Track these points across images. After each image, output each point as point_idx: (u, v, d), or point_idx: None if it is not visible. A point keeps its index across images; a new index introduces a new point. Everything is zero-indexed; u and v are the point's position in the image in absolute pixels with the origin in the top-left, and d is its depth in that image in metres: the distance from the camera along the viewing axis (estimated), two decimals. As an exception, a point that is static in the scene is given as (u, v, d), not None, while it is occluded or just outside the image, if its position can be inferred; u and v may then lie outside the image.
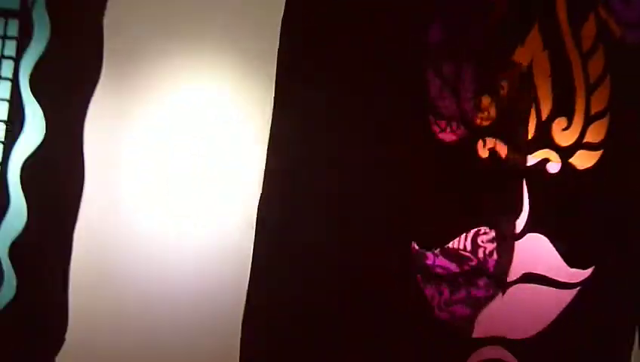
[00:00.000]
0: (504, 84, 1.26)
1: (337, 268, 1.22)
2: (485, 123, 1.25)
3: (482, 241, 1.26)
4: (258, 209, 1.22)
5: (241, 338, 1.22)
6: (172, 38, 1.57)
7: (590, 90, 1.30)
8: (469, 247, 1.26)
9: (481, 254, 1.27)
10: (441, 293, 1.24)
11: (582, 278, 1.31)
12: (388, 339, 1.22)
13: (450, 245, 1.25)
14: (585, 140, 1.31)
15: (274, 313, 1.23)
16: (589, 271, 1.31)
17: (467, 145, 1.24)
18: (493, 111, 1.25)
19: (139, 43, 1.56)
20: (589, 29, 1.30)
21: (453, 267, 1.25)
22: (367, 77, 1.20)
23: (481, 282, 1.25)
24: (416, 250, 1.23)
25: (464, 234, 1.26)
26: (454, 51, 1.23)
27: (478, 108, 1.25)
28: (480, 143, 1.25)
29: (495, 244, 1.26)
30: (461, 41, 1.23)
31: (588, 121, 1.31)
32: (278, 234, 1.23)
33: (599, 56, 1.30)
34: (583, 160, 1.32)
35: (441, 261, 1.25)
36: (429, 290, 1.24)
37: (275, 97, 1.22)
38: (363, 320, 1.21)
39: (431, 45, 1.22)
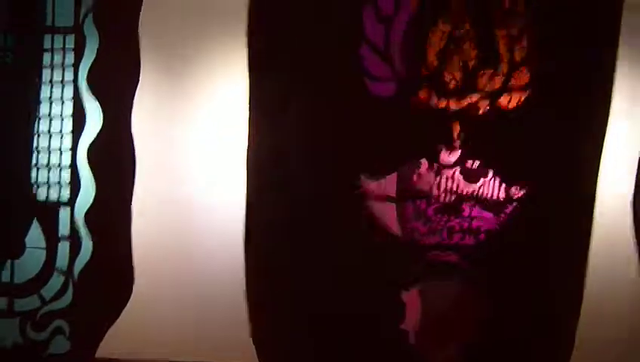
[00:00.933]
0: (430, 47, 1.55)
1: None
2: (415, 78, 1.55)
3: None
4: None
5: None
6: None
7: (513, 42, 1.58)
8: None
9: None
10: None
11: (518, 195, 1.59)
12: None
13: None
14: (510, 84, 1.59)
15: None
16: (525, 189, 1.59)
17: (403, 97, 1.55)
18: (421, 69, 1.55)
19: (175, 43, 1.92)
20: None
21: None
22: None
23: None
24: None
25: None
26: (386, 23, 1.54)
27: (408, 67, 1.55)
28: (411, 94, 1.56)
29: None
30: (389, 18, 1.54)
31: (512, 67, 1.59)
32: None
33: (520, 14, 1.58)
34: (509, 100, 1.60)
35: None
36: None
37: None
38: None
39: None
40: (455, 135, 1.57)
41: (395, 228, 1.56)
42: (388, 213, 1.55)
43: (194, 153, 1.92)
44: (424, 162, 1.57)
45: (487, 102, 1.59)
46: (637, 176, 1.82)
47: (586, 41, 1.61)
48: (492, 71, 1.58)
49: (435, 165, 1.57)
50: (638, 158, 1.92)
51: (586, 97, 1.65)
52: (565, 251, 1.65)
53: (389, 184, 1.56)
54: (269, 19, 1.54)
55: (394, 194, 1.56)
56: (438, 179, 1.58)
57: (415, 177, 1.57)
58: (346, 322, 1.57)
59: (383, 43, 1.55)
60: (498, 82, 1.59)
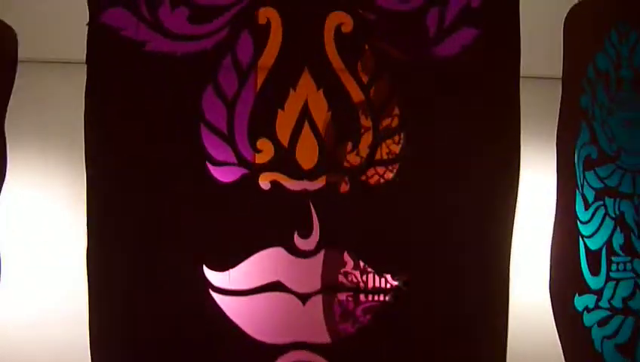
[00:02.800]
0: (279, 126, 1.41)
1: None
2: (263, 160, 1.40)
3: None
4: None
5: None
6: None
7: (377, 112, 1.42)
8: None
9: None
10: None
11: (390, 285, 1.37)
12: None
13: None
14: (376, 157, 1.41)
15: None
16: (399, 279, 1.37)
17: (248, 182, 1.39)
18: (270, 150, 1.40)
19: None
20: (366, 62, 1.44)
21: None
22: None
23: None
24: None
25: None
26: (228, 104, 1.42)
27: (255, 149, 1.40)
28: (260, 178, 1.39)
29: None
30: (232, 98, 1.42)
31: (377, 139, 1.42)
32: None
33: (383, 82, 1.43)
34: (375, 176, 1.42)
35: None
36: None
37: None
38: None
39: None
40: (313, 219, 1.39)
41: (245, 325, 1.34)
42: (236, 309, 1.35)
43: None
44: (277, 251, 1.38)
45: (348, 180, 1.41)
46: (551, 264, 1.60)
47: (476, 101, 1.45)
48: (352, 144, 1.42)
49: (291, 254, 1.37)
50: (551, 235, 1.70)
51: (479, 167, 1.45)
52: None
53: (236, 276, 1.36)
54: (105, 105, 1.43)
55: (243, 288, 1.36)
56: (293, 269, 1.37)
57: (267, 268, 1.37)
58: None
59: (226, 124, 1.41)
60: (360, 157, 1.42)
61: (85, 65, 1.40)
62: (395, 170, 1.42)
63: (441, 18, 1.46)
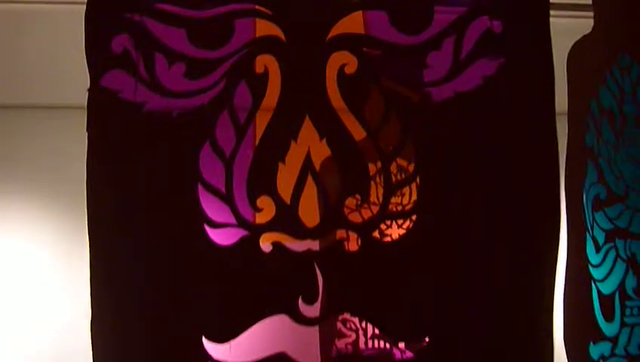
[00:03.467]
0: (280, 181, 1.29)
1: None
2: (264, 220, 1.28)
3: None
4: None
5: None
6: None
7: (389, 160, 1.28)
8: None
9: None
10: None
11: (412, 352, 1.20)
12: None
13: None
14: (388, 211, 1.26)
15: None
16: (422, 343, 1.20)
17: (248, 245, 1.28)
18: (272, 208, 1.29)
19: None
20: (374, 103, 1.31)
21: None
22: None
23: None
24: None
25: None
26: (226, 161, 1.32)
27: (255, 208, 1.29)
28: (261, 239, 1.28)
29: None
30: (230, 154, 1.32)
31: (389, 190, 1.27)
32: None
33: (394, 125, 1.29)
34: (389, 231, 1.26)
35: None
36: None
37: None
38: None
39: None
40: (318, 283, 1.25)
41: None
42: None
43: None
44: (281, 319, 1.25)
45: (357, 237, 1.26)
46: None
47: (504, 140, 1.27)
48: (360, 196, 1.27)
49: (295, 322, 1.24)
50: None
51: (513, 219, 1.26)
52: None
53: (237, 349, 1.24)
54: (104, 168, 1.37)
55: (245, 360, 1.24)
56: (299, 338, 1.24)
57: (270, 338, 1.24)
58: None
59: (224, 183, 1.31)
60: (370, 211, 1.27)
61: (67, 112, 1.35)
62: (411, 224, 1.26)
63: (457, 49, 1.30)
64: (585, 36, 1.59)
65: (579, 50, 1.55)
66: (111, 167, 1.36)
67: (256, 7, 1.34)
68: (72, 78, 1.42)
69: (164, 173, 1.33)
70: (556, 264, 1.26)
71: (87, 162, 1.36)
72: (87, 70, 1.40)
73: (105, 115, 1.38)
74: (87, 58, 1.41)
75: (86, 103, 1.38)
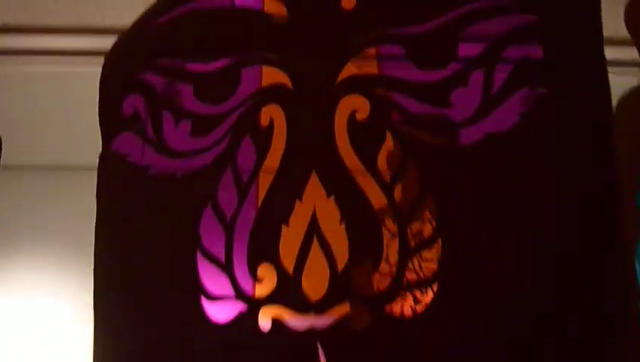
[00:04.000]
0: (284, 246, 1.12)
1: None
2: (264, 292, 1.11)
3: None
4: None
5: None
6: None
7: (406, 218, 1.07)
8: None
9: None
10: None
11: None
12: None
13: None
14: (404, 280, 1.04)
15: None
16: None
17: (246, 322, 1.10)
18: (273, 278, 1.11)
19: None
20: (389, 153, 1.11)
21: None
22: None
23: None
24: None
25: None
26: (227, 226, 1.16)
27: (255, 278, 1.12)
28: (260, 314, 1.10)
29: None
30: (231, 217, 1.17)
31: (407, 255, 1.05)
32: None
33: (412, 176, 1.08)
34: (405, 304, 1.04)
35: None
36: None
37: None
38: None
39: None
40: (321, 364, 1.04)
41: None
42: None
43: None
44: (278, 411, 1.04)
45: (368, 311, 1.04)
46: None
47: (547, 190, 1.02)
48: (372, 264, 1.06)
49: (293, 415, 1.03)
50: None
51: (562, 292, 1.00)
52: None
53: None
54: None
55: None
56: None
57: None
58: None
59: (224, 250, 1.15)
60: (384, 280, 1.05)
61: (71, 173, 1.27)
62: (432, 295, 1.03)
63: (487, 82, 1.08)
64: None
65: (629, 101, 1.26)
66: (115, 233, 1.26)
67: (263, 53, 1.20)
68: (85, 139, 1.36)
69: (165, 240, 1.20)
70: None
71: (95, 227, 1.28)
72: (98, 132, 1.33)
73: (113, 180, 1.29)
74: (99, 120, 1.34)
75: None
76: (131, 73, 1.30)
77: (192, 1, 1.28)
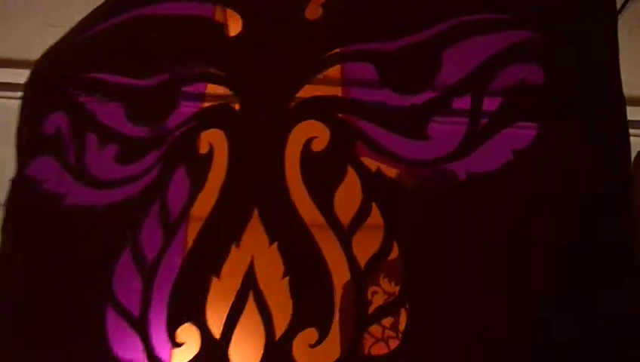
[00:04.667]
0: (211, 304, 0.90)
1: None
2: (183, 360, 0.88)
3: None
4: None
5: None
6: None
7: (363, 277, 0.85)
8: None
9: None
10: None
11: None
12: None
13: None
14: (362, 352, 0.82)
15: None
16: None
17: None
18: (195, 343, 0.89)
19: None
20: (349, 192, 0.90)
21: None
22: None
23: None
24: None
25: None
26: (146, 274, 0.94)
27: (174, 343, 0.89)
28: None
29: None
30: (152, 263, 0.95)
31: (364, 322, 0.83)
32: None
33: (374, 225, 0.87)
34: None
35: None
36: None
37: None
38: None
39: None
40: None
41: None
42: None
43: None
44: None
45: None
46: None
47: (540, 242, 0.80)
48: (319, 332, 0.83)
49: None
50: None
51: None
52: None
53: None
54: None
55: None
56: None
57: None
58: None
59: (139, 304, 0.93)
60: (332, 354, 0.83)
61: None
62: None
63: (473, 112, 0.87)
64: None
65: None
66: (25, 274, 1.03)
67: (208, 68, 1.00)
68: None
69: (75, 287, 0.98)
70: None
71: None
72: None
73: (24, 207, 1.07)
74: (17, 142, 1.13)
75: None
76: (57, 88, 1.10)
77: (132, 9, 1.08)
